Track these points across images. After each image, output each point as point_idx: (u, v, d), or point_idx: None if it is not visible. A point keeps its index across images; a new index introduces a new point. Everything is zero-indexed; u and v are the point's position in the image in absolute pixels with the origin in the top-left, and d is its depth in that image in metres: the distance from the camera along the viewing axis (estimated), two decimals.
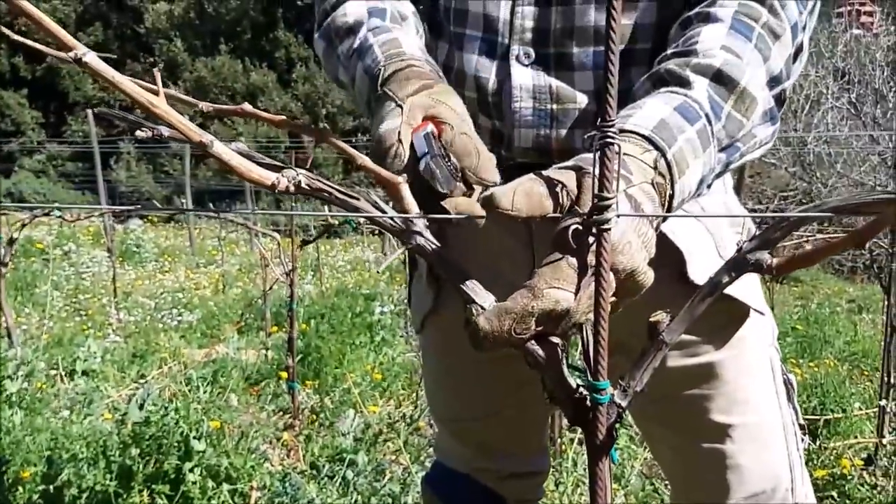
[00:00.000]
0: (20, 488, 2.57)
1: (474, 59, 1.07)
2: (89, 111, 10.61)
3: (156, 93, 0.60)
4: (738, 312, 1.09)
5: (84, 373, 4.18)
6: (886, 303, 3.19)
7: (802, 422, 1.22)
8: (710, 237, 1.08)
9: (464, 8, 1.08)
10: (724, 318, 1.09)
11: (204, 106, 0.68)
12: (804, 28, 0.96)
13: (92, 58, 0.55)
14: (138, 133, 0.63)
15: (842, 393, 3.89)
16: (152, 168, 25.40)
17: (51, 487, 2.54)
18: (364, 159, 0.68)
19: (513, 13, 1.04)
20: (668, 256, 1.03)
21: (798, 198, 13.58)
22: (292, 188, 0.63)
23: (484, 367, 1.21)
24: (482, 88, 1.07)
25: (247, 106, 0.68)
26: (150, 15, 27.66)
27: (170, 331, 5.46)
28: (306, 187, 0.64)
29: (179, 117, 0.59)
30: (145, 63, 26.51)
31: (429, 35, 1.14)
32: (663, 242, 1.01)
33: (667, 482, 2.69)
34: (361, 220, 0.80)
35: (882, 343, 3.22)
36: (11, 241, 3.61)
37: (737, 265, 0.58)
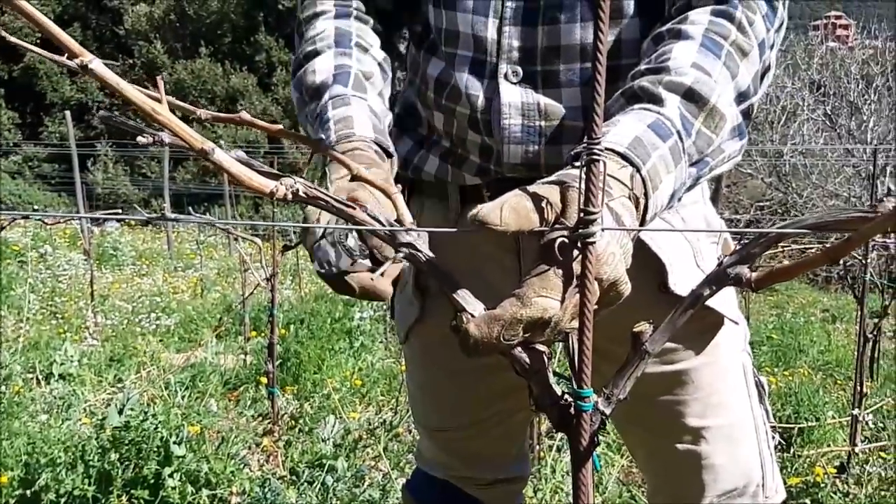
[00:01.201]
0: None
1: (465, 77, 1.11)
2: (67, 112, 10.53)
3: (158, 100, 0.62)
4: (713, 320, 1.13)
5: (61, 376, 4.14)
6: (859, 313, 3.25)
7: (773, 421, 1.27)
8: (689, 247, 1.12)
9: (455, 29, 1.11)
10: (701, 325, 1.13)
11: (202, 113, 0.70)
12: (771, 46, 0.99)
13: (98, 65, 0.56)
14: (140, 139, 0.64)
15: (815, 402, 3.95)
16: (130, 170, 25.22)
17: (28, 492, 2.53)
18: (359, 169, 0.70)
19: (500, 32, 1.07)
20: (650, 266, 1.06)
21: (774, 208, 13.74)
22: (290, 196, 0.65)
23: (467, 378, 1.23)
24: (473, 105, 1.10)
25: (244, 115, 0.69)
26: (129, 16, 27.48)
27: (148, 335, 5.43)
28: (304, 195, 0.66)
29: (181, 124, 0.61)
30: (124, 65, 26.33)
31: (418, 54, 1.19)
32: (646, 253, 1.05)
33: (643, 488, 2.72)
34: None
35: (855, 353, 3.27)
36: None
37: (717, 279, 0.61)
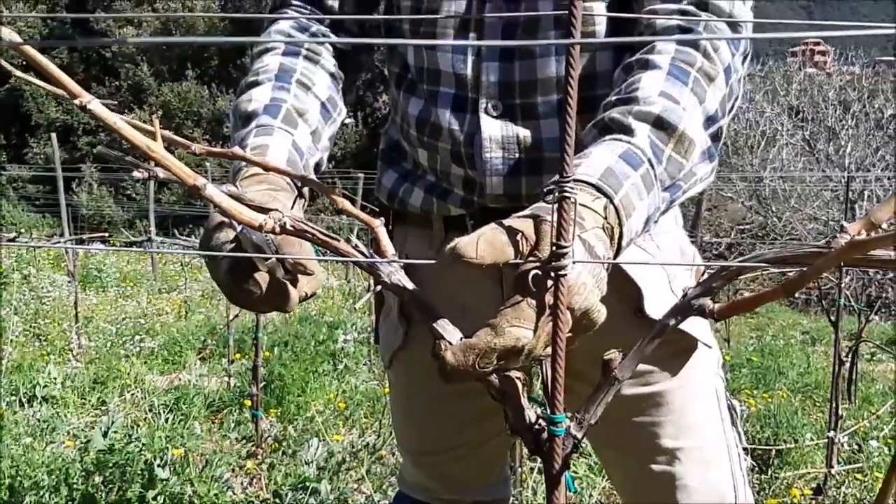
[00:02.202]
0: None
1: (447, 113, 1.15)
2: (52, 134, 10.51)
3: (153, 135, 0.65)
4: (687, 344, 1.18)
5: (44, 399, 4.13)
6: (835, 337, 3.30)
7: (745, 444, 1.31)
8: (663, 273, 1.16)
9: (435, 68, 1.16)
10: (675, 349, 1.17)
11: (196, 148, 0.73)
12: (735, 71, 1.03)
13: (96, 105, 0.60)
14: (135, 174, 0.67)
15: (794, 424, 3.99)
16: (115, 192, 25.12)
17: None
18: (345, 203, 0.73)
19: (478, 68, 1.12)
20: (626, 291, 1.10)
21: (754, 231, 13.87)
22: (278, 229, 0.69)
23: (448, 403, 1.27)
24: (455, 140, 1.15)
25: (237, 149, 0.73)
26: (117, 38, 27.46)
27: (132, 357, 5.42)
28: (291, 228, 0.69)
29: (175, 161, 0.64)
30: (110, 87, 26.31)
31: (398, 94, 1.23)
32: (622, 279, 1.09)
33: None
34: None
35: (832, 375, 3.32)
36: None
37: (682, 310, 0.64)
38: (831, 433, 3.09)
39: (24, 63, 0.64)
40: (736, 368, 5.87)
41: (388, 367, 1.35)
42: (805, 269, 0.56)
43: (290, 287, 0.87)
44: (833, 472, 3.08)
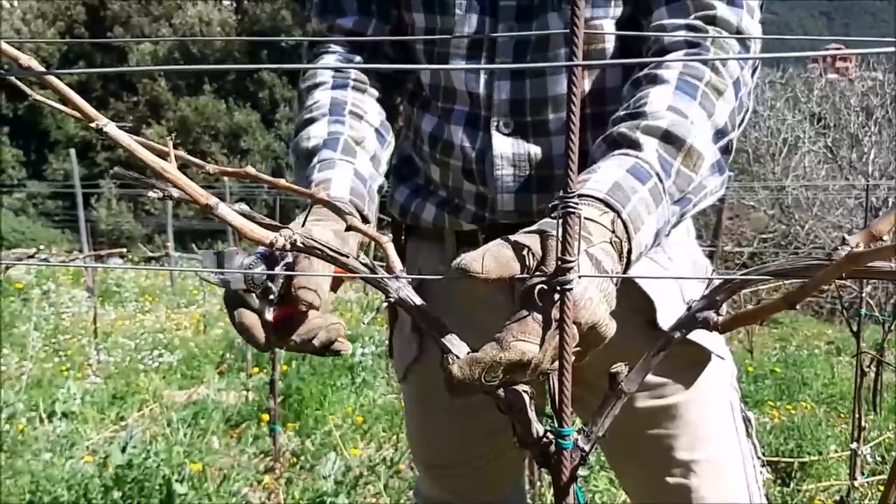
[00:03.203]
0: None
1: (460, 130, 1.17)
2: (71, 150, 10.64)
3: (167, 155, 0.66)
4: (700, 356, 1.17)
5: (64, 414, 4.16)
6: (856, 346, 3.27)
7: (762, 457, 1.30)
8: (676, 285, 1.15)
9: (448, 86, 1.17)
10: (688, 361, 1.16)
11: (211, 168, 0.74)
12: (745, 84, 1.03)
13: (111, 128, 0.61)
14: (150, 194, 0.69)
15: (818, 435, 3.95)
16: (133, 207, 25.37)
17: None
18: (354, 221, 0.74)
19: (490, 87, 1.13)
20: (639, 304, 1.10)
21: (777, 240, 13.77)
22: (288, 246, 0.69)
23: (462, 416, 1.26)
24: (466, 158, 1.16)
25: (250, 169, 0.74)
26: (134, 55, 27.81)
27: (150, 372, 5.45)
28: (301, 245, 0.70)
29: (187, 181, 0.65)
30: (128, 102, 26.60)
31: (412, 111, 1.25)
32: (635, 291, 1.08)
33: None
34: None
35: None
36: None
37: (686, 323, 0.64)
38: (854, 444, 3.05)
39: (41, 82, 0.65)
40: (759, 379, 5.82)
41: (403, 380, 1.36)
42: (806, 281, 0.56)
43: (260, 327, 0.87)
44: (856, 484, 3.04)
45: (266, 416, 3.70)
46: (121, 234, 23.02)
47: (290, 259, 0.87)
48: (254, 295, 0.86)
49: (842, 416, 5.08)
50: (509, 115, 1.13)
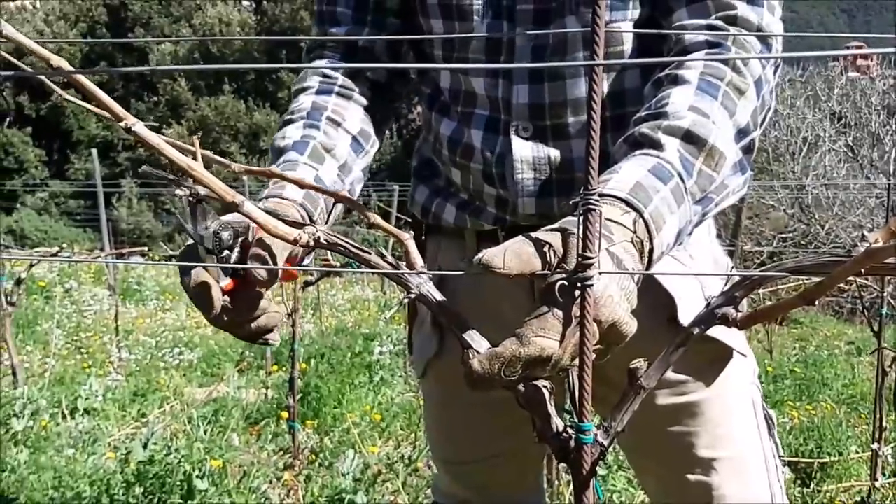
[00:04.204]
0: None
1: (480, 134, 1.18)
2: (93, 150, 10.72)
3: (194, 155, 0.68)
4: (722, 353, 1.17)
5: (86, 411, 4.21)
6: (878, 346, 3.25)
7: (783, 454, 1.29)
8: (697, 283, 1.16)
9: (472, 90, 1.18)
10: (709, 358, 1.16)
11: (236, 167, 0.75)
12: (767, 82, 1.03)
13: (140, 127, 0.62)
14: (178, 192, 0.70)
15: (838, 436, 3.92)
16: (153, 206, 25.53)
17: None
18: (376, 218, 0.75)
19: (509, 91, 1.14)
20: (660, 301, 1.10)
21: (797, 240, 13.66)
22: (312, 243, 0.71)
23: (481, 412, 1.27)
24: (486, 161, 1.17)
25: (274, 168, 0.75)
26: (154, 55, 28.00)
27: (171, 369, 5.50)
28: (324, 242, 0.71)
29: (214, 179, 0.67)
30: (149, 102, 26.78)
31: (430, 115, 1.26)
32: (657, 289, 1.09)
33: None
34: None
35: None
36: (19, 282, 3.67)
37: (705, 319, 0.65)
38: (875, 445, 3.03)
39: (66, 82, 0.66)
40: (779, 380, 5.78)
41: (422, 377, 1.36)
42: (823, 277, 0.56)
43: (215, 288, 0.86)
44: (877, 485, 3.02)
45: (285, 414, 3.73)
46: (141, 233, 23.18)
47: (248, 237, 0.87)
48: (214, 258, 0.85)
49: (862, 416, 5.04)
50: (528, 119, 1.14)
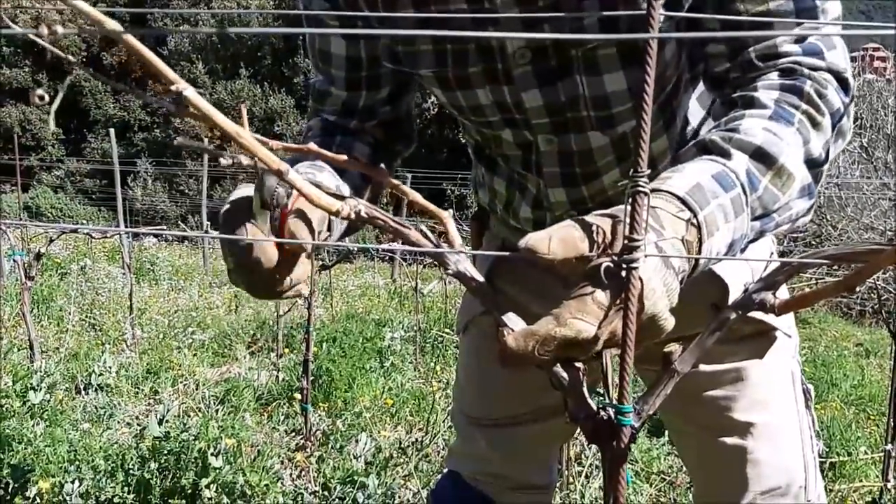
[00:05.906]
0: (38, 499, 2.64)
1: (522, 205, 1.28)
2: (111, 129, 10.75)
3: (241, 125, 0.69)
4: (766, 328, 1.21)
5: (100, 387, 4.25)
6: (894, 347, 3.24)
7: (818, 428, 1.33)
8: (748, 270, 1.19)
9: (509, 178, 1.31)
10: (754, 329, 1.21)
11: (274, 144, 0.76)
12: (845, 113, 1.00)
13: (191, 93, 0.63)
14: (221, 161, 0.71)
15: (848, 436, 3.93)
16: (168, 187, 25.63)
17: (69, 498, 2.61)
18: (416, 196, 0.76)
19: (545, 193, 1.23)
20: (714, 288, 1.16)
21: (808, 240, 13.61)
22: (353, 215, 0.72)
23: (518, 375, 1.31)
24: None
25: (312, 145, 0.76)
26: (172, 38, 28.06)
27: (183, 349, 5.53)
28: (365, 216, 0.72)
29: (261, 147, 0.67)
30: (166, 84, 26.81)
31: (476, 165, 1.38)
32: (711, 277, 1.15)
33: None
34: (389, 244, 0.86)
35: (889, 387, 3.26)
36: (39, 256, 3.70)
37: (743, 304, 0.65)
38: (888, 446, 3.03)
39: (85, 59, 0.67)
40: None
41: (463, 331, 1.43)
42: (862, 265, 0.57)
43: (282, 272, 0.90)
44: (889, 485, 3.02)
45: (298, 396, 3.75)
46: (156, 214, 23.29)
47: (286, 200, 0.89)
48: (266, 217, 0.87)
49: (871, 418, 5.04)
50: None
